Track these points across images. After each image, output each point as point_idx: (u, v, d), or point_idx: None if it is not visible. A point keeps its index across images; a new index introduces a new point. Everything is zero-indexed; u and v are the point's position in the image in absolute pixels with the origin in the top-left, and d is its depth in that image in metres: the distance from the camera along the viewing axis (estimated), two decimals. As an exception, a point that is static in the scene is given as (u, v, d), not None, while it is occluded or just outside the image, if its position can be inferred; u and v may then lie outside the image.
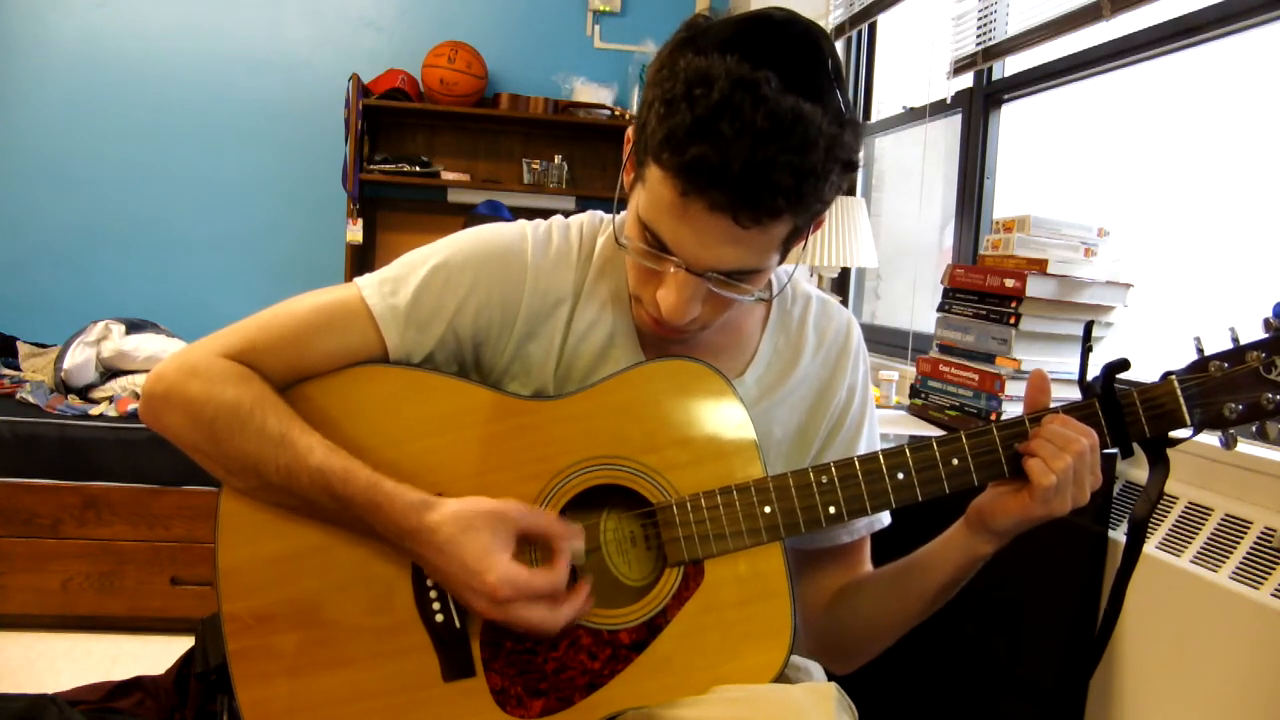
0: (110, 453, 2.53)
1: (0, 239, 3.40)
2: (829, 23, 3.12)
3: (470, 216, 3.41)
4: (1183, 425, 0.87)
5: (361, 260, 3.50)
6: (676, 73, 0.77)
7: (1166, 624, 1.43)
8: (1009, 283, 1.67)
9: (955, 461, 0.88)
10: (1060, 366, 1.70)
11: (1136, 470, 1.62)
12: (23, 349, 3.09)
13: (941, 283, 1.92)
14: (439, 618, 0.88)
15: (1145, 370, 0.97)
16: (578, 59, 3.74)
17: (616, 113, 3.59)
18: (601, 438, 0.90)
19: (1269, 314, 0.87)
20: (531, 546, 0.88)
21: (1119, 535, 1.57)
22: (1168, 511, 1.51)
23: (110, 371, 2.82)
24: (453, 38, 3.52)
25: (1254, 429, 0.88)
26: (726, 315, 0.91)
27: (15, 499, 2.48)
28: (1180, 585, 1.40)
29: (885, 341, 2.78)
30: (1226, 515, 1.41)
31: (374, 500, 0.84)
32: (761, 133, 0.73)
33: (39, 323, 3.30)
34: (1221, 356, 0.87)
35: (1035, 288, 1.64)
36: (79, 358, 2.74)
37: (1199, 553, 1.41)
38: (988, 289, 1.74)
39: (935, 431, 1.82)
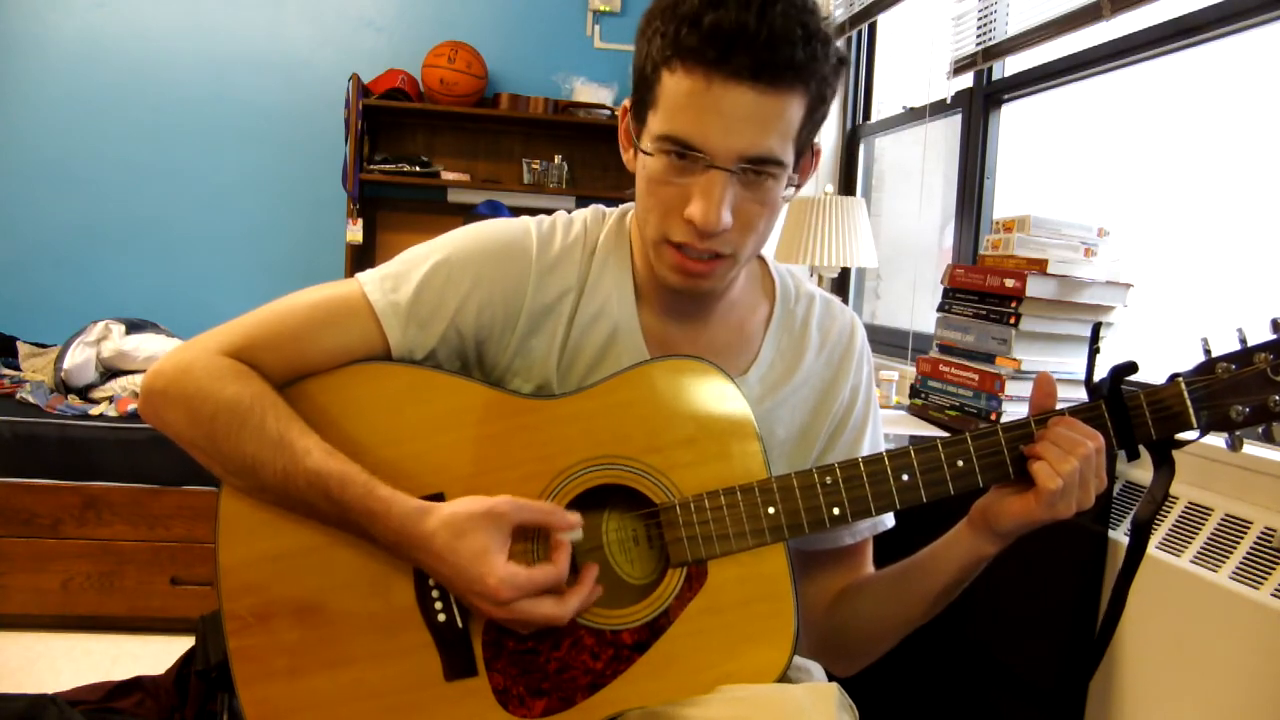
0: (110, 453, 2.53)
1: (0, 239, 3.40)
2: (829, 23, 3.12)
3: (471, 216, 3.41)
4: (1189, 428, 0.87)
5: (361, 260, 3.50)
6: None
7: (1166, 624, 1.43)
8: (1009, 283, 1.67)
9: (960, 463, 0.88)
10: (1061, 366, 1.70)
11: (1138, 471, 1.62)
12: (23, 349, 3.09)
13: (941, 283, 1.92)
14: (441, 617, 0.88)
15: (1145, 370, 0.97)
16: (578, 59, 3.74)
17: (616, 113, 3.58)
18: (604, 437, 0.90)
19: (1277, 315, 0.86)
20: (531, 538, 0.88)
21: (1119, 535, 1.57)
22: (1168, 511, 1.51)
23: (110, 371, 2.82)
24: (453, 38, 3.52)
25: (1261, 431, 0.87)
26: (748, 248, 0.90)
27: (15, 499, 2.48)
28: (1180, 585, 1.40)
29: (885, 341, 2.78)
30: (1226, 515, 1.41)
31: (369, 508, 0.84)
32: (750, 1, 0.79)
33: (39, 323, 3.30)
34: (1229, 358, 0.87)
35: (1035, 288, 1.64)
36: (79, 358, 2.74)
37: (1199, 553, 1.41)
38: (988, 289, 1.74)
39: (935, 431, 1.82)
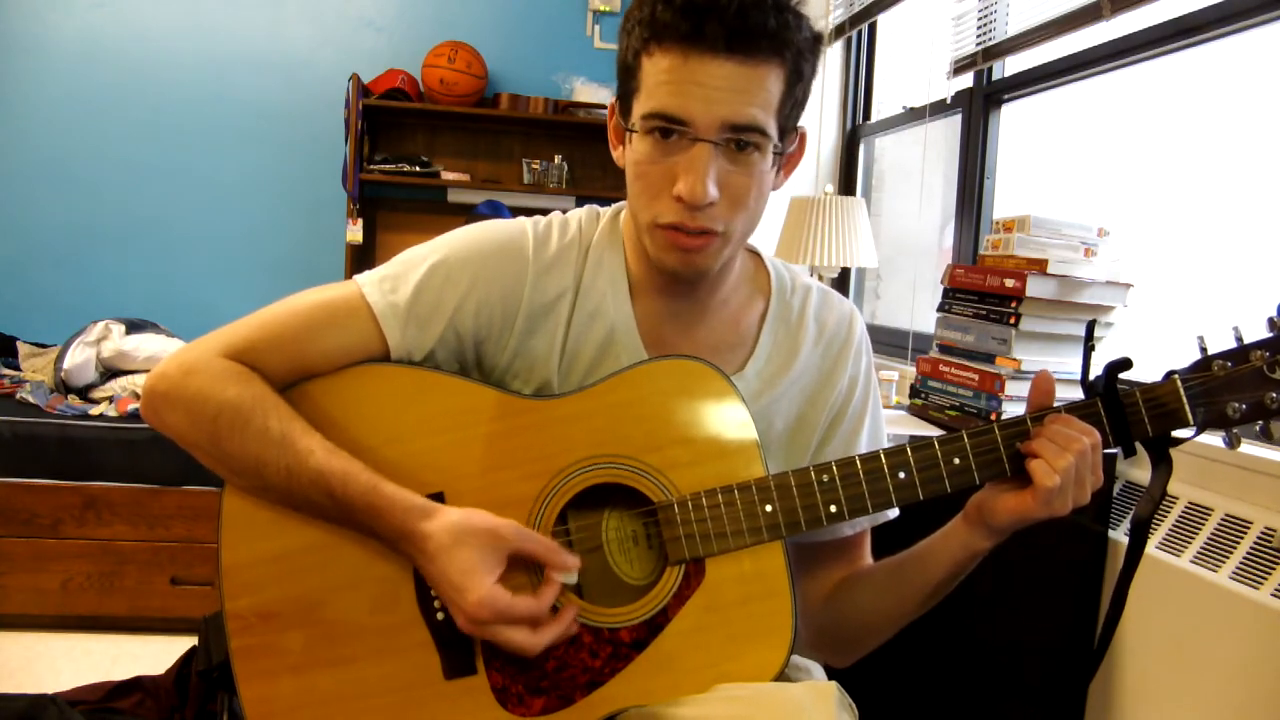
0: (110, 453, 2.53)
1: (0, 239, 3.40)
2: (829, 23, 3.12)
3: (471, 216, 3.41)
4: (1186, 425, 0.87)
5: (361, 260, 3.50)
6: None
7: (1166, 624, 1.43)
8: (1009, 283, 1.67)
9: (957, 461, 0.88)
10: (1060, 366, 1.70)
11: (1137, 470, 1.62)
12: (23, 349, 3.09)
13: (941, 283, 1.92)
14: (440, 615, 0.88)
15: (1146, 370, 0.97)
16: (578, 59, 3.74)
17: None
18: (603, 436, 0.90)
19: (1273, 313, 0.86)
20: (529, 569, 0.88)
21: (1119, 535, 1.57)
22: (1168, 511, 1.51)
23: (110, 371, 2.82)
24: (453, 38, 3.52)
25: (1259, 428, 0.87)
26: (739, 226, 0.90)
27: (15, 499, 2.48)
28: (1180, 585, 1.40)
29: (885, 341, 2.78)
30: (1226, 515, 1.41)
31: (372, 504, 0.84)
32: None
33: (39, 323, 3.30)
34: (1225, 356, 0.87)
35: (1035, 288, 1.64)
36: (79, 358, 2.74)
37: (1199, 553, 1.41)
38: (988, 289, 1.74)
39: (935, 431, 1.82)
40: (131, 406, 2.65)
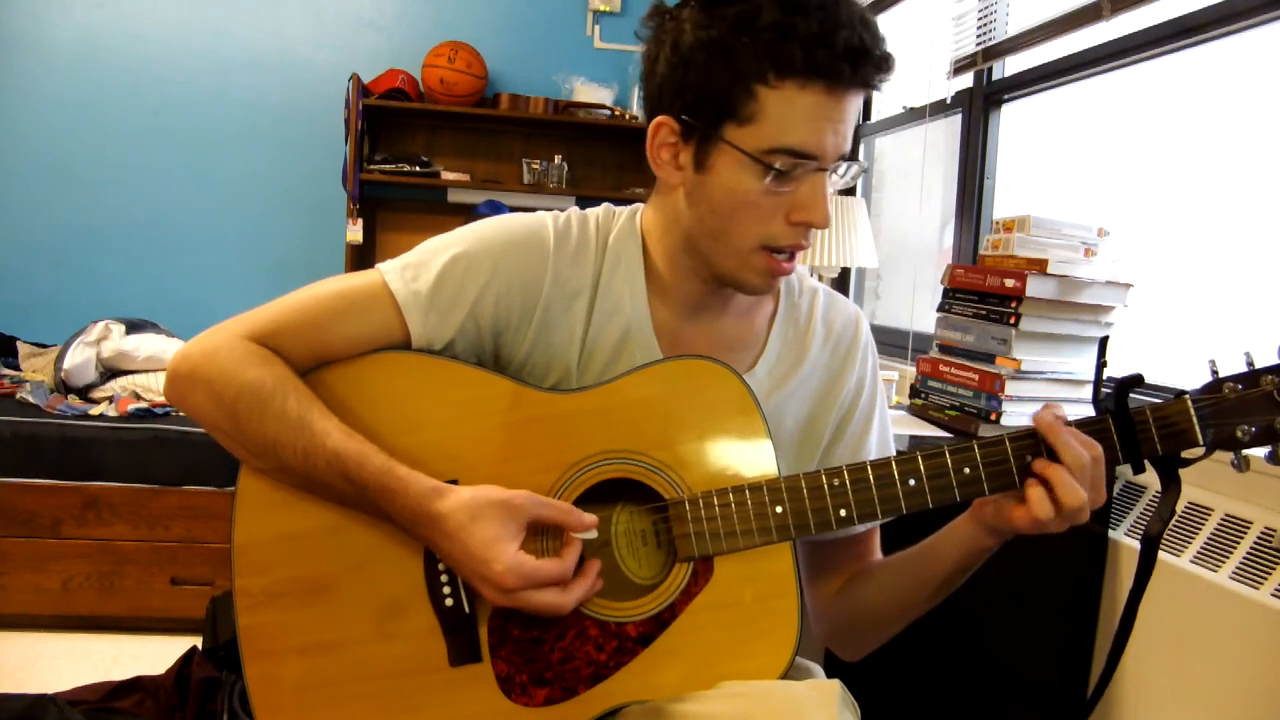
0: (110, 453, 2.53)
1: (0, 239, 3.40)
2: None
3: (471, 216, 3.41)
4: (1195, 444, 0.87)
5: (362, 260, 3.50)
6: (747, 10, 0.85)
7: (1166, 624, 1.43)
8: (1009, 283, 1.67)
9: (967, 470, 0.89)
10: (1060, 367, 1.70)
11: (1137, 470, 1.62)
12: (23, 349, 3.09)
13: (941, 283, 1.92)
14: (448, 602, 0.88)
15: (1147, 371, 0.97)
16: (578, 59, 3.74)
17: (616, 113, 3.59)
18: (617, 432, 0.91)
19: None
20: (544, 535, 0.89)
21: (1119, 535, 1.57)
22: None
23: (110, 371, 2.82)
24: (453, 38, 3.52)
25: (1266, 454, 0.88)
26: (737, 309, 0.95)
27: (15, 499, 2.48)
28: (1180, 585, 1.40)
29: (885, 341, 2.78)
30: (1226, 515, 1.41)
31: (387, 486, 0.85)
32: (850, 16, 0.85)
33: (39, 323, 3.30)
34: (1236, 379, 0.88)
35: (1035, 288, 1.64)
36: (79, 358, 2.74)
37: (1199, 553, 1.41)
38: (988, 289, 1.74)
39: (936, 431, 1.82)
40: (131, 406, 2.65)
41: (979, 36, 2.37)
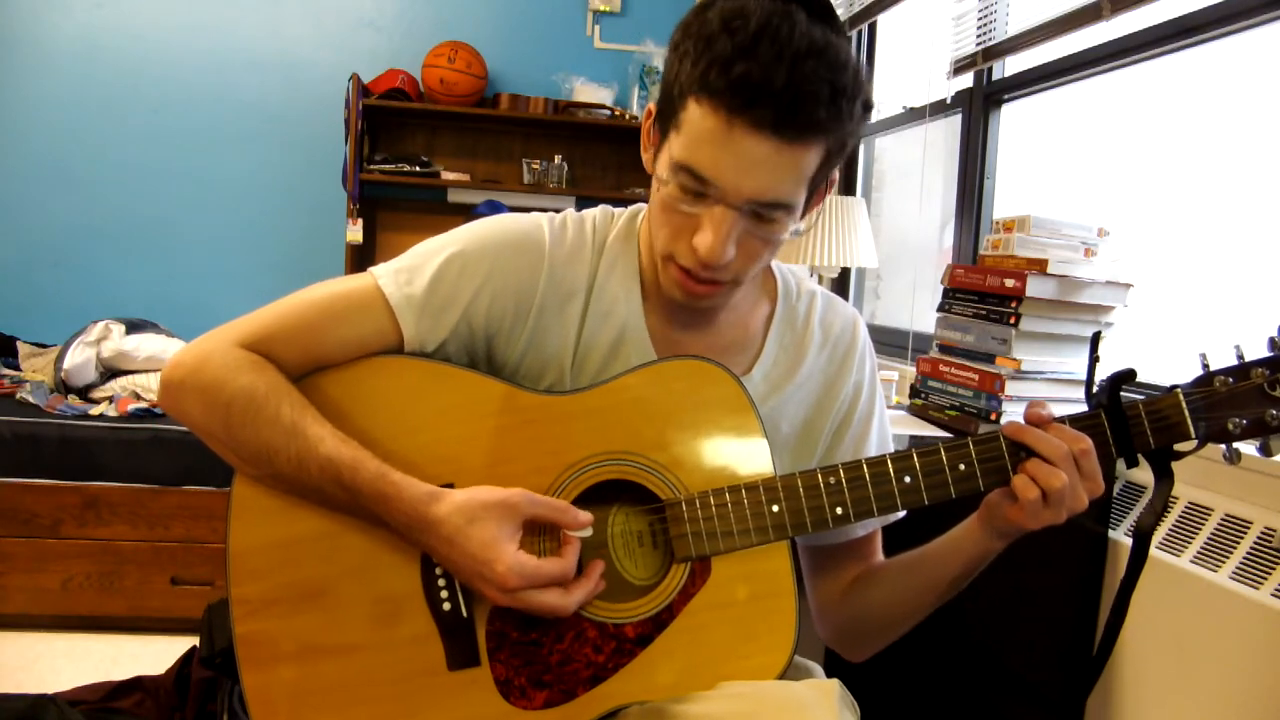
0: (110, 453, 2.53)
1: (0, 239, 3.40)
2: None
3: (471, 216, 3.40)
4: (1187, 438, 0.88)
5: (361, 260, 3.50)
6: (709, 19, 0.82)
7: (1166, 624, 1.43)
8: (1009, 283, 1.67)
9: (962, 467, 0.89)
10: (1060, 366, 1.70)
11: (1137, 471, 1.62)
12: (23, 349, 3.09)
13: (941, 283, 1.92)
14: (446, 606, 0.88)
15: (1147, 371, 0.97)
16: (578, 59, 3.74)
17: (616, 113, 3.59)
18: (613, 433, 0.91)
19: (1274, 333, 0.88)
20: (541, 534, 0.89)
21: (1119, 535, 1.57)
22: (1168, 511, 1.51)
23: (110, 371, 2.82)
24: (453, 38, 3.52)
25: (1257, 446, 0.88)
26: (750, 274, 0.91)
27: (15, 499, 2.48)
28: (1180, 585, 1.40)
29: (885, 341, 2.78)
30: (1226, 515, 1.41)
31: (381, 491, 0.85)
32: (799, 52, 0.78)
33: (39, 323, 3.30)
34: (1226, 372, 0.88)
35: (1035, 288, 1.64)
36: (79, 358, 2.74)
37: (1199, 553, 1.41)
38: (988, 289, 1.74)
39: (936, 431, 1.82)
40: (132, 406, 2.65)
41: (979, 36, 2.37)
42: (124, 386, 2.76)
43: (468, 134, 3.71)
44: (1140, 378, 0.94)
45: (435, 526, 0.84)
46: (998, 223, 1.82)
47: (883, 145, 3.24)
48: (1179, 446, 0.89)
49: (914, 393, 1.97)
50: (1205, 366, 0.89)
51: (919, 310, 2.63)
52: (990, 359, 1.73)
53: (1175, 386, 0.89)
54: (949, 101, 2.55)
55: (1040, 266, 1.65)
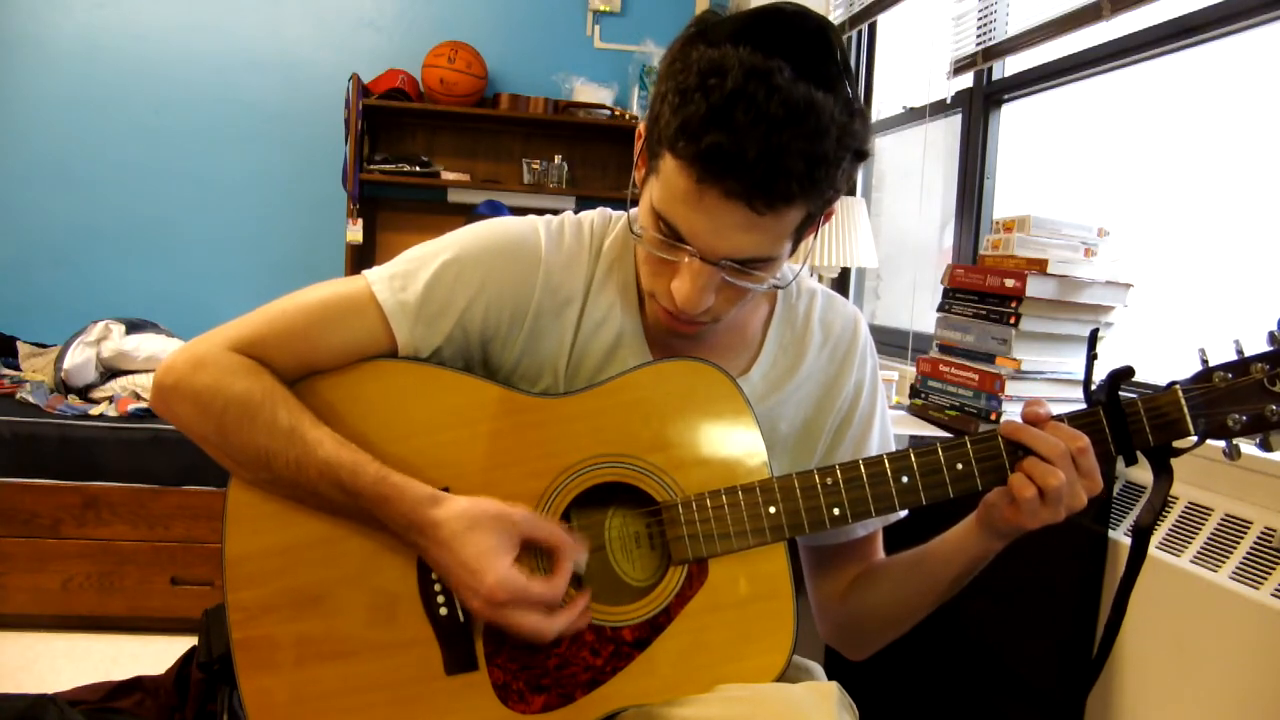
0: (110, 453, 2.53)
1: (0, 239, 3.40)
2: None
3: (471, 216, 3.40)
4: (1187, 434, 0.87)
5: (361, 260, 3.50)
6: (689, 64, 0.78)
7: (1166, 624, 1.43)
8: (1009, 283, 1.67)
9: (960, 466, 0.88)
10: (1060, 366, 1.70)
11: (1138, 470, 1.62)
12: (23, 349, 3.09)
13: (941, 283, 1.92)
14: (443, 611, 0.88)
15: (1147, 370, 0.97)
16: (578, 59, 3.74)
17: (616, 113, 3.59)
18: (609, 436, 0.91)
19: (1274, 327, 0.87)
20: (536, 555, 0.88)
21: (1119, 535, 1.57)
22: (1168, 512, 1.51)
23: (110, 371, 2.82)
24: (453, 38, 3.52)
25: (1257, 441, 0.88)
26: (733, 312, 0.91)
27: (15, 499, 2.48)
28: (1180, 585, 1.40)
29: (885, 341, 2.78)
30: (1226, 515, 1.41)
31: (381, 493, 0.85)
32: (775, 120, 0.74)
33: (39, 323, 3.30)
34: (1226, 367, 0.87)
35: (1035, 288, 1.64)
36: (79, 358, 2.74)
37: (1199, 553, 1.41)
38: (988, 289, 1.74)
39: (936, 431, 1.82)
40: (132, 406, 2.65)
41: (979, 36, 2.37)
42: (124, 386, 2.76)
43: (468, 134, 3.71)
44: (1140, 377, 0.94)
45: (434, 528, 0.83)
46: (998, 223, 1.82)
47: (883, 145, 3.24)
48: (1178, 443, 0.89)
49: (914, 393, 1.97)
50: (1204, 362, 0.88)
51: (919, 310, 2.63)
52: (990, 359, 1.73)
53: (1174, 383, 0.88)
54: (949, 101, 2.55)
55: (1040, 266, 1.65)
